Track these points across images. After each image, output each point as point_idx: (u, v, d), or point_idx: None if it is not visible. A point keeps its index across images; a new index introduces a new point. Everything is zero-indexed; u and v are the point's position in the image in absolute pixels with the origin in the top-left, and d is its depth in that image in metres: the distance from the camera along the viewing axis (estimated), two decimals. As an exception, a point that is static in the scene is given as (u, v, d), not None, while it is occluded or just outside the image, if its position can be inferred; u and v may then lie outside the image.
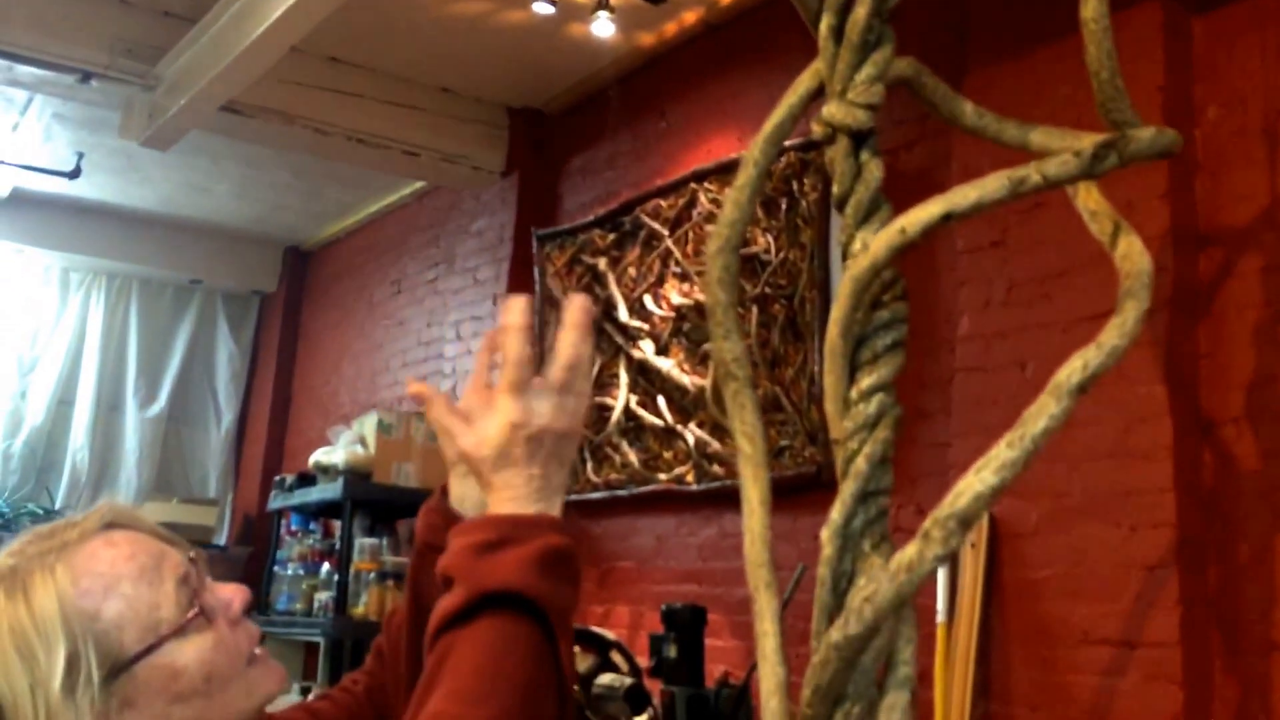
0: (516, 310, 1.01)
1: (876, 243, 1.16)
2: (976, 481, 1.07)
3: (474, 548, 0.95)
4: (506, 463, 1.00)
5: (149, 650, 1.00)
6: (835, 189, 1.22)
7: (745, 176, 1.28)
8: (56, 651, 0.97)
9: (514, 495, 0.99)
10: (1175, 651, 2.07)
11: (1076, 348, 2.50)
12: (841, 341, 1.24)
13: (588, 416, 1.10)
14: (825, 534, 1.19)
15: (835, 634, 1.09)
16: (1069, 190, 1.29)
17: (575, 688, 3.42)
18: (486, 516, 0.99)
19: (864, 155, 1.20)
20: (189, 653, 1.02)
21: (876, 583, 1.08)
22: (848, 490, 1.20)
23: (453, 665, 0.92)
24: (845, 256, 1.20)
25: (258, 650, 1.08)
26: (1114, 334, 1.10)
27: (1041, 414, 1.09)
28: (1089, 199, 1.28)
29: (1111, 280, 1.10)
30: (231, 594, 1.08)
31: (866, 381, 1.24)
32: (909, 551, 1.08)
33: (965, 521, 1.06)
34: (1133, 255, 1.17)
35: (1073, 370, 1.11)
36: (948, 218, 1.13)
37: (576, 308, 1.02)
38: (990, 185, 1.11)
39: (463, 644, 0.93)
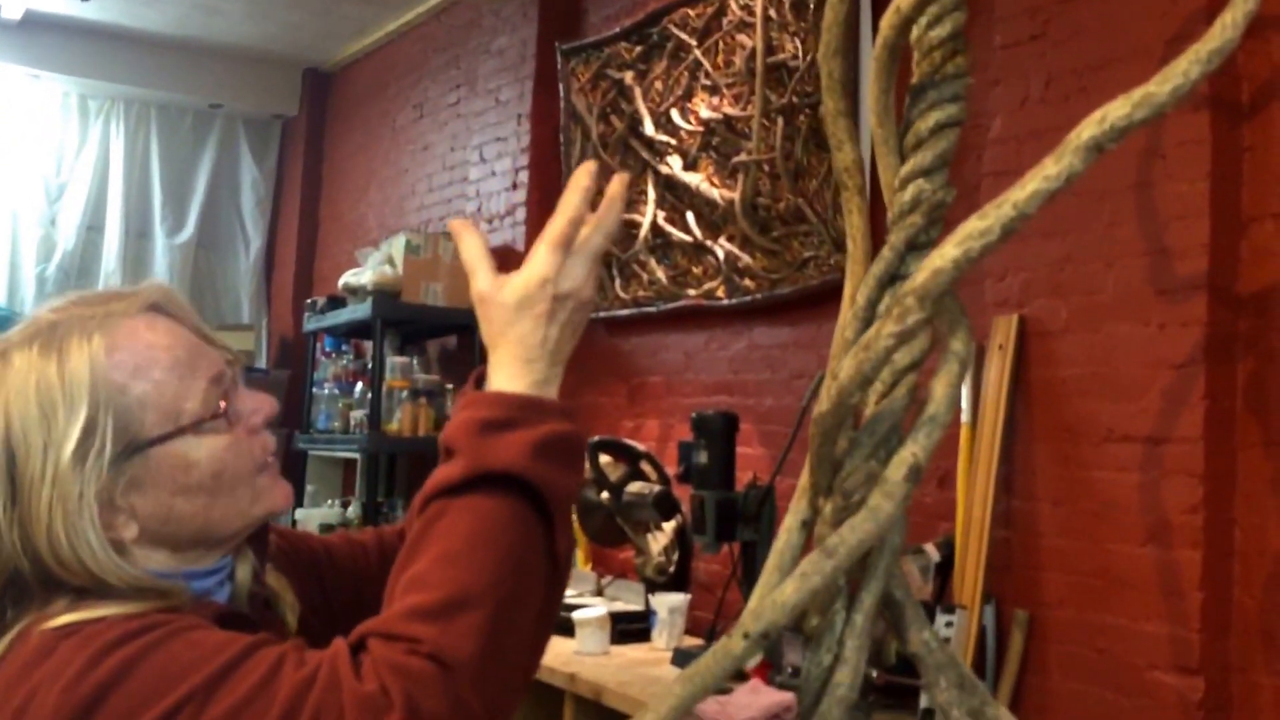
0: (585, 173, 0.99)
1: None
2: (937, 256, 0.99)
3: (480, 424, 0.94)
4: (525, 316, 0.98)
5: (166, 437, 1.00)
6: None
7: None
8: (77, 416, 0.97)
9: (524, 354, 0.98)
10: (1198, 446, 2.09)
11: (1126, 151, 2.45)
12: (880, 129, 1.21)
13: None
14: (844, 313, 1.17)
15: (818, 407, 1.08)
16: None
17: (605, 495, 3.52)
18: (497, 393, 0.97)
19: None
20: (204, 448, 1.01)
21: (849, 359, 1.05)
22: (873, 271, 1.17)
23: (443, 530, 0.91)
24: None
25: (270, 459, 1.08)
26: (1150, 85, 0.94)
27: (1034, 177, 0.97)
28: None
29: (1155, 72, 0.94)
30: (259, 403, 1.08)
31: (906, 168, 1.18)
32: (869, 331, 1.04)
33: (923, 298, 1.00)
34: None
35: (1088, 124, 0.95)
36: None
37: (619, 180, 1.01)
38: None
39: (456, 513, 0.92)
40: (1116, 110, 0.94)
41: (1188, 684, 2.07)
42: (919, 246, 1.13)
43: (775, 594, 1.05)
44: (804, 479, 1.16)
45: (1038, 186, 0.98)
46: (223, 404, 1.04)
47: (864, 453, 1.09)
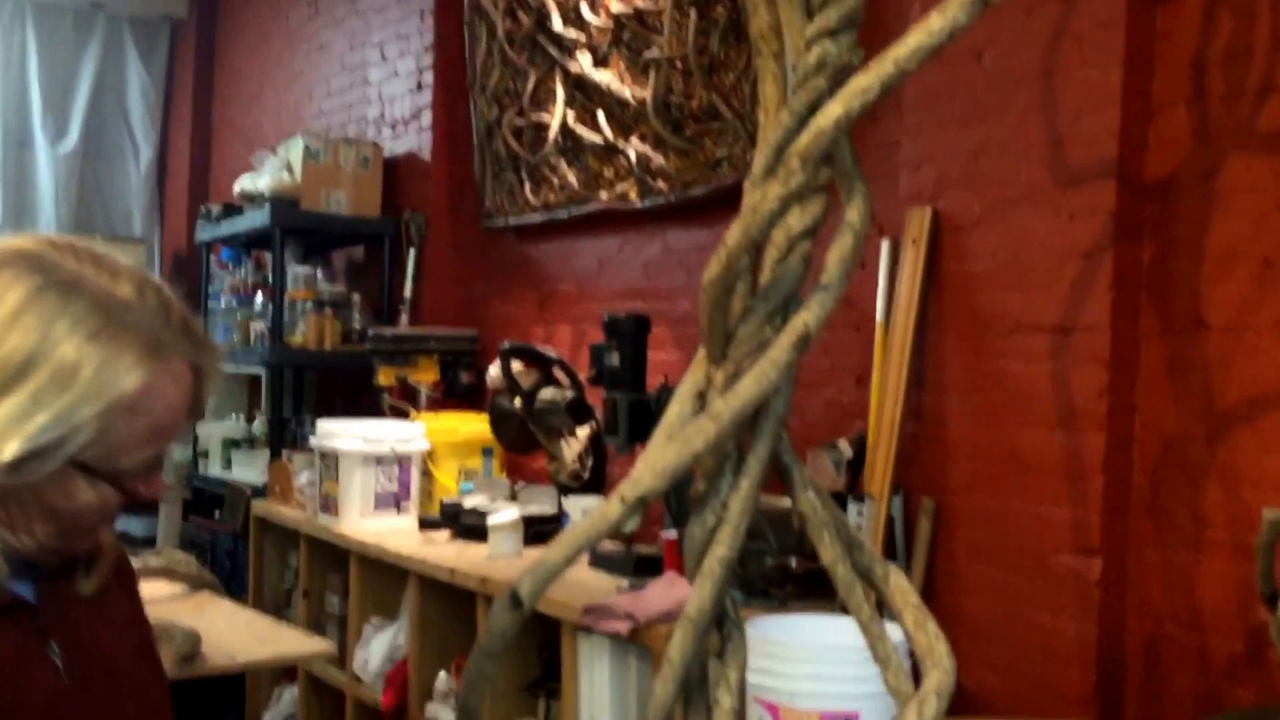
0: None
1: None
2: (820, 116, 0.97)
3: None
4: None
5: (90, 470, 1.01)
6: None
7: None
8: (27, 385, 0.96)
9: None
10: (1104, 334, 2.13)
11: (1040, 33, 2.45)
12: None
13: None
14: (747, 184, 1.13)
15: (706, 274, 1.05)
16: None
17: (518, 403, 3.50)
18: None
19: None
20: (93, 494, 1.02)
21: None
22: (770, 139, 1.11)
23: None
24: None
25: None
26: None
27: (917, 32, 0.94)
28: None
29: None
30: (156, 490, 1.08)
31: (811, 28, 1.12)
32: (755, 194, 1.00)
33: (806, 158, 0.97)
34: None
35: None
36: None
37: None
38: None
39: None
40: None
41: (1087, 564, 2.14)
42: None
43: (655, 458, 1.04)
44: (700, 350, 1.14)
45: (920, 42, 0.95)
46: (141, 488, 1.06)
47: (757, 320, 1.07)
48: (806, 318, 1.00)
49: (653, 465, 1.02)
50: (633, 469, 1.07)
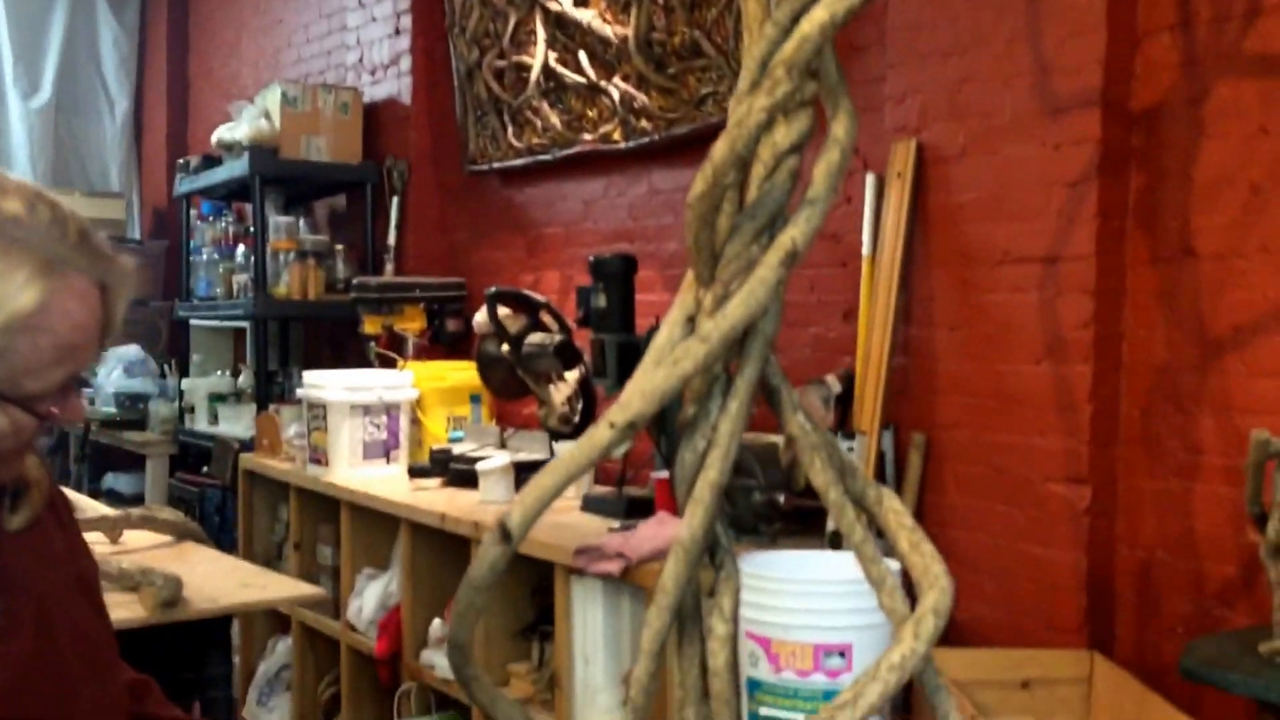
0: None
1: None
2: (804, 23, 0.96)
3: None
4: None
5: None
6: None
7: None
8: None
9: None
10: (1090, 263, 2.13)
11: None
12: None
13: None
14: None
15: (692, 191, 1.04)
16: None
17: (505, 348, 3.48)
18: None
19: None
20: (1, 421, 1.01)
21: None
22: (754, 51, 1.09)
23: None
24: None
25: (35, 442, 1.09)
26: None
27: None
28: None
29: None
30: (73, 415, 1.07)
31: None
32: (740, 108, 0.99)
33: (791, 67, 0.95)
34: None
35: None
36: None
37: None
38: None
39: None
40: None
41: (1076, 493, 2.15)
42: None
43: (643, 382, 1.03)
44: (688, 274, 1.13)
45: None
46: (55, 410, 1.04)
47: (744, 239, 1.06)
48: (794, 234, 0.99)
49: (641, 389, 1.02)
50: (621, 393, 1.06)
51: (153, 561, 2.35)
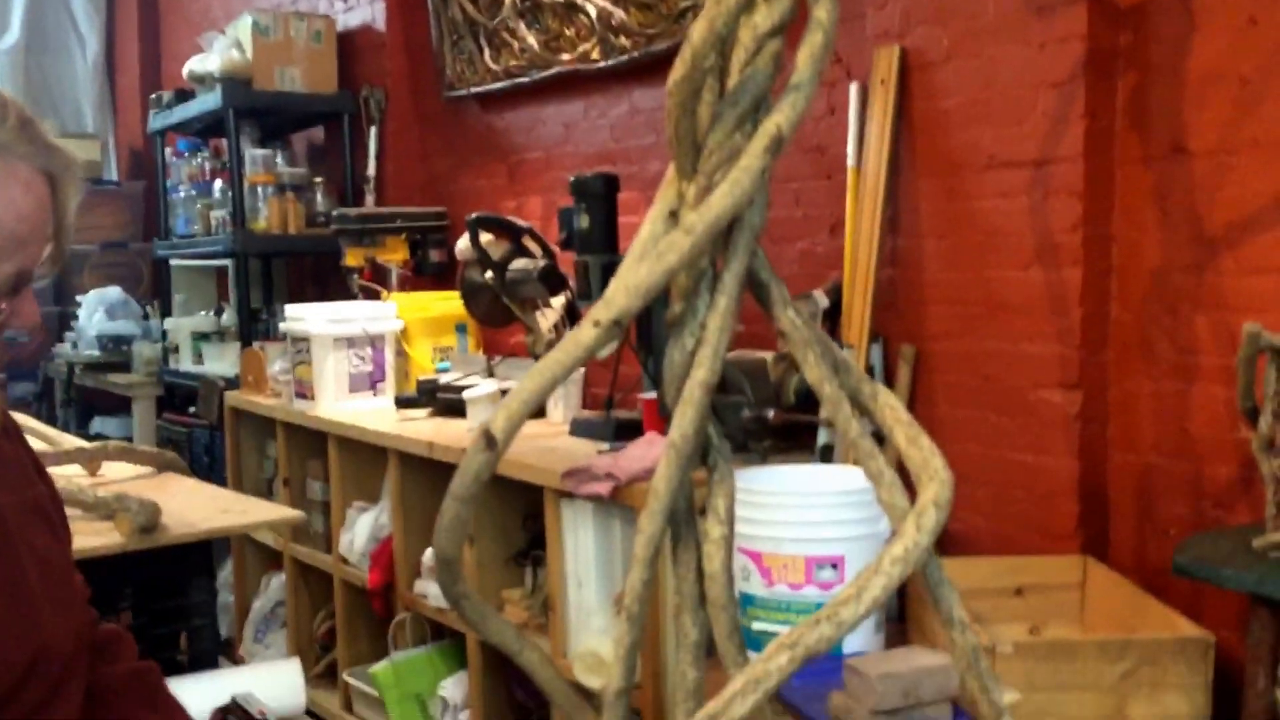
0: None
1: None
2: None
3: None
4: None
5: None
6: None
7: None
8: None
9: None
10: (1078, 165, 2.09)
11: None
12: None
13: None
14: None
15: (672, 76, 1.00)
16: None
17: (489, 275, 3.44)
18: None
19: None
20: None
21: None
22: None
23: None
24: None
25: None
26: None
27: None
28: None
29: None
30: (27, 317, 1.04)
31: None
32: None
33: None
34: None
35: None
36: None
37: None
38: None
39: None
40: None
41: (1068, 399, 2.14)
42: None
43: (628, 277, 1.00)
44: (670, 168, 1.10)
45: None
46: (4, 305, 1.00)
47: (727, 127, 1.03)
48: (779, 120, 0.95)
49: (625, 284, 0.99)
50: (605, 291, 1.03)
51: (131, 491, 2.32)
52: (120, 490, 2.29)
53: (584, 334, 1.01)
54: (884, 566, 0.93)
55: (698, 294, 1.05)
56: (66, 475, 2.49)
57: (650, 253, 1.02)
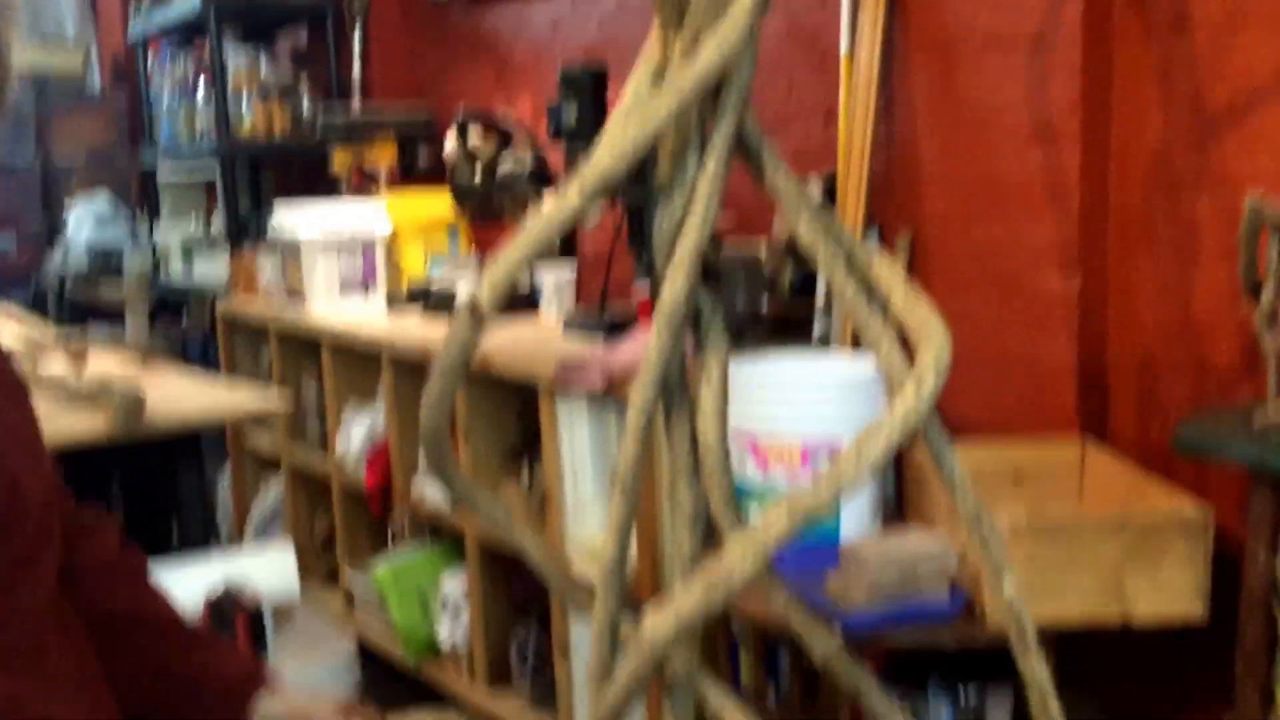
0: None
1: None
2: None
3: None
4: None
5: None
6: None
7: None
8: None
9: None
10: (1076, 41, 2.03)
11: None
12: None
13: None
14: None
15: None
16: None
17: (478, 183, 3.39)
18: None
19: None
20: None
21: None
22: None
23: None
24: None
25: None
26: None
27: None
28: None
29: None
30: None
31: None
32: None
33: None
34: None
35: None
36: None
37: None
38: None
39: None
40: None
41: (1067, 282, 2.11)
42: None
43: (613, 139, 0.96)
44: (655, 26, 1.05)
45: None
46: None
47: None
48: (767, -31, 0.91)
49: (611, 146, 0.95)
50: (589, 153, 0.99)
51: (117, 383, 2.29)
52: (105, 379, 2.26)
53: (569, 198, 0.98)
54: (884, 428, 0.90)
55: (685, 156, 1.02)
56: (53, 373, 2.46)
57: (636, 113, 0.98)
